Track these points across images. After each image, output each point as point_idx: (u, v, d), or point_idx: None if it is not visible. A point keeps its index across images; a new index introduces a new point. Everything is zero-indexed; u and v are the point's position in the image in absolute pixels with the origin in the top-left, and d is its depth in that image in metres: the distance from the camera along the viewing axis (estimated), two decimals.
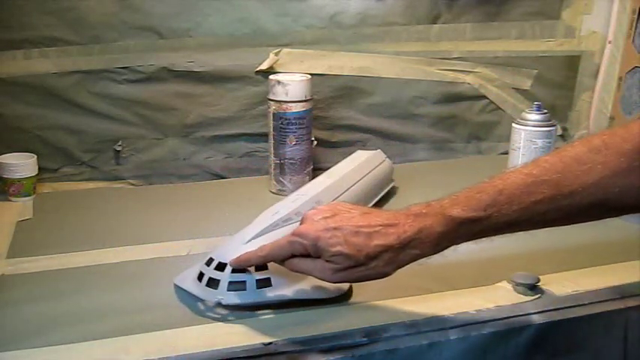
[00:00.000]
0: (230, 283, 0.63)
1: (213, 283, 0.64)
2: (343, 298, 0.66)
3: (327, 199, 0.79)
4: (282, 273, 0.64)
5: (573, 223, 0.60)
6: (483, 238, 0.59)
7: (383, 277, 0.59)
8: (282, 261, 0.61)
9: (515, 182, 0.57)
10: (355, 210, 0.61)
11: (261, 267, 0.64)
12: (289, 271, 0.62)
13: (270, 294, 0.63)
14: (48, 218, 0.91)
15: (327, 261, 0.58)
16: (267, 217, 0.71)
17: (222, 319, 0.62)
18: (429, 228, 0.57)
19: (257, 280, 0.63)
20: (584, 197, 0.56)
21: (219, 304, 0.64)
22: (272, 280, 0.63)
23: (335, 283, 0.62)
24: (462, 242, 0.59)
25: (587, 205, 0.57)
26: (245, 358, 0.56)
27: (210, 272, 0.65)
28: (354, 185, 0.86)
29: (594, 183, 0.55)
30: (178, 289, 0.68)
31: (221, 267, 0.64)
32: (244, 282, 0.63)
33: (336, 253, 0.57)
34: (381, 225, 0.58)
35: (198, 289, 0.65)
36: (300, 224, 0.61)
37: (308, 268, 0.60)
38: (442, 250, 0.58)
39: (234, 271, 0.63)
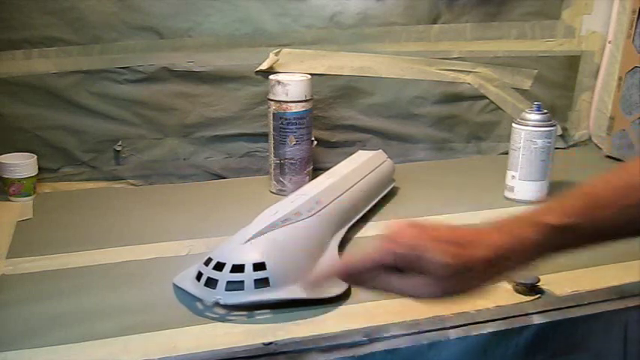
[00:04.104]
0: (228, 282, 0.63)
1: (211, 282, 0.64)
2: (343, 298, 0.66)
3: (327, 199, 0.79)
4: (280, 273, 0.64)
5: None
6: (580, 248, 0.55)
7: (474, 291, 0.53)
8: (365, 279, 0.52)
9: (607, 187, 0.54)
10: (437, 223, 0.55)
11: (259, 267, 0.63)
12: (288, 271, 0.62)
13: (269, 294, 0.63)
14: (48, 218, 0.91)
15: (421, 273, 0.50)
16: (267, 217, 0.71)
17: (221, 319, 0.62)
18: (523, 238, 0.52)
19: (255, 280, 0.63)
20: None
21: (217, 304, 0.64)
22: (270, 279, 0.63)
23: (430, 298, 0.52)
24: (557, 253, 0.54)
25: None
26: (245, 358, 0.56)
27: (209, 272, 0.65)
28: (354, 185, 0.86)
29: None
30: (178, 289, 0.68)
31: (219, 267, 0.64)
32: (242, 282, 0.63)
33: (436, 261, 0.50)
34: (474, 235, 0.54)
35: (197, 289, 0.65)
36: (385, 240, 0.52)
37: (401, 286, 0.51)
38: (537, 261, 0.54)
39: (232, 270, 0.63)
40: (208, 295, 0.64)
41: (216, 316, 0.63)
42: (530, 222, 0.53)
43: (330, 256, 0.73)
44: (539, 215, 0.53)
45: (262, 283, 0.63)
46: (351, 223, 0.83)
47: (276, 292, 0.63)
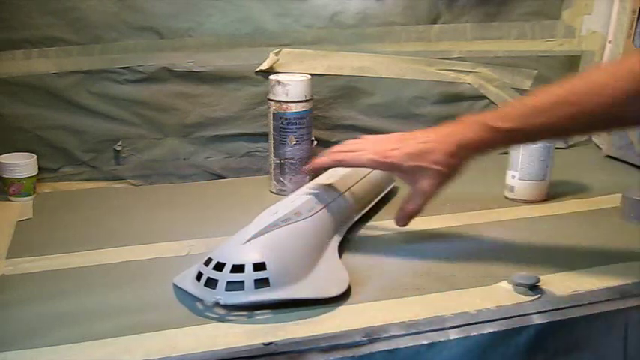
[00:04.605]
0: (228, 282, 0.63)
1: (211, 282, 0.64)
2: (343, 298, 0.66)
3: (327, 199, 0.79)
4: (280, 273, 0.64)
5: (593, 134, 0.84)
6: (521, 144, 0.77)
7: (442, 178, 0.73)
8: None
9: (543, 100, 0.67)
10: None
11: (259, 267, 0.64)
12: (288, 270, 0.62)
13: (269, 294, 0.63)
14: (48, 218, 0.91)
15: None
16: (267, 217, 0.71)
17: (221, 319, 0.62)
18: (477, 136, 0.71)
19: (255, 280, 0.63)
20: (603, 115, 0.65)
21: (217, 304, 0.64)
22: (270, 279, 0.63)
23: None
24: (503, 147, 0.76)
25: (605, 121, 0.67)
26: (245, 358, 0.56)
27: (209, 272, 0.65)
28: (354, 185, 0.86)
29: (611, 103, 0.63)
30: (178, 289, 0.68)
31: (219, 267, 0.64)
32: (242, 282, 0.63)
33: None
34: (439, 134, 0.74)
35: (197, 289, 0.65)
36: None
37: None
38: (488, 152, 0.72)
39: (232, 270, 0.64)
40: (208, 295, 0.64)
41: (216, 316, 0.63)
42: (481, 125, 0.70)
43: (330, 256, 0.73)
44: (489, 120, 0.70)
45: (262, 283, 0.63)
46: (352, 223, 0.84)
47: (276, 292, 0.63)
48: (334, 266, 0.71)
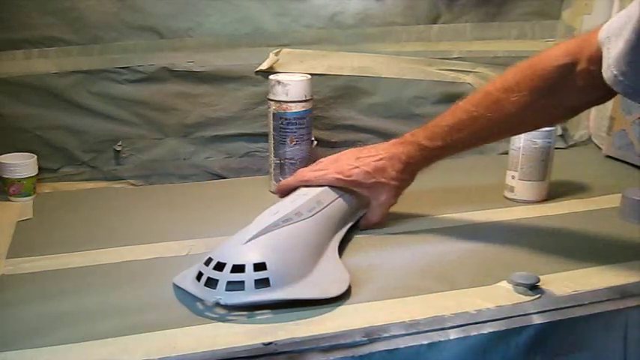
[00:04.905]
0: (229, 282, 0.63)
1: (211, 282, 0.64)
2: (343, 298, 0.66)
3: (327, 199, 0.79)
4: (280, 273, 0.64)
5: (507, 137, 0.93)
6: (447, 158, 0.82)
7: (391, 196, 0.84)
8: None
9: (459, 118, 0.78)
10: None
11: (259, 267, 0.64)
12: (289, 271, 0.63)
13: (269, 294, 0.63)
14: (48, 218, 0.91)
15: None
16: (268, 217, 0.71)
17: (222, 319, 0.62)
18: (408, 153, 0.82)
19: (255, 280, 0.63)
20: (509, 123, 0.77)
21: (217, 304, 0.64)
22: (270, 280, 0.63)
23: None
24: (432, 162, 0.83)
25: (513, 128, 0.82)
26: (245, 358, 0.56)
27: (209, 272, 0.65)
28: None
29: (513, 114, 0.74)
30: (178, 289, 0.68)
31: (220, 267, 0.64)
32: (242, 282, 0.63)
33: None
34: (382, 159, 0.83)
35: (197, 289, 0.65)
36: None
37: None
38: (421, 167, 0.84)
39: (232, 271, 0.64)
40: (209, 295, 0.64)
41: (216, 316, 0.63)
42: (416, 145, 0.82)
43: (331, 257, 0.73)
44: (421, 139, 0.81)
45: (263, 283, 0.63)
46: (352, 223, 0.84)
47: (276, 292, 0.63)
48: (334, 266, 0.71)
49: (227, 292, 0.63)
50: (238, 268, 0.64)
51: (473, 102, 0.78)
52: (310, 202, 0.77)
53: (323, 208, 0.77)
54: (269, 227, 0.69)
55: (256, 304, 0.63)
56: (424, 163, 0.83)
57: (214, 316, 0.63)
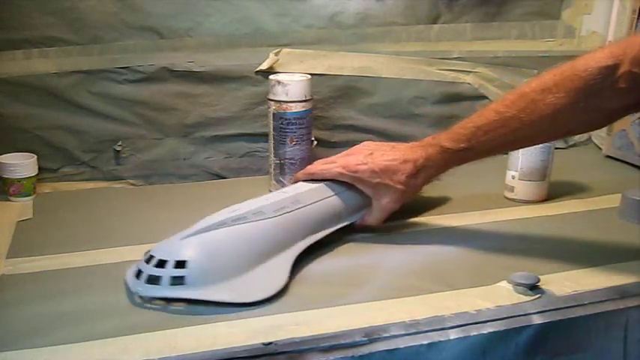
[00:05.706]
0: (149, 276, 0.65)
1: (139, 274, 0.66)
2: (343, 298, 0.66)
3: (309, 199, 0.78)
4: (200, 273, 0.65)
5: (535, 144, 0.89)
6: (473, 161, 0.79)
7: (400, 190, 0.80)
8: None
9: (488, 119, 0.75)
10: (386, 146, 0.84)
11: (180, 265, 0.65)
12: (211, 272, 0.65)
13: (182, 292, 0.64)
14: (48, 218, 0.91)
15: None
16: (216, 216, 0.72)
17: (140, 307, 0.64)
18: (431, 157, 0.80)
19: (172, 277, 0.64)
20: (543, 126, 0.73)
21: (139, 296, 0.66)
22: (186, 278, 0.64)
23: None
24: (457, 165, 0.81)
25: (546, 132, 0.76)
26: (245, 358, 0.56)
27: (141, 264, 0.67)
28: (336, 195, 0.83)
29: (548, 115, 0.71)
30: None
31: (148, 260, 0.66)
32: (160, 277, 0.65)
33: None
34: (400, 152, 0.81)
35: (130, 279, 0.68)
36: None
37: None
38: (444, 172, 0.82)
39: (156, 265, 0.65)
40: (134, 286, 0.66)
41: (157, 307, 0.64)
42: (436, 147, 0.80)
43: (284, 259, 0.71)
44: (443, 141, 0.79)
45: (179, 280, 0.64)
46: (347, 222, 0.82)
47: (189, 291, 0.64)
48: (277, 270, 0.69)
49: (147, 285, 0.65)
50: (162, 264, 0.65)
51: (505, 103, 0.74)
52: (283, 202, 0.76)
53: (298, 209, 0.76)
54: (213, 225, 0.69)
55: (169, 299, 0.65)
56: (444, 167, 0.81)
57: (155, 307, 0.64)
